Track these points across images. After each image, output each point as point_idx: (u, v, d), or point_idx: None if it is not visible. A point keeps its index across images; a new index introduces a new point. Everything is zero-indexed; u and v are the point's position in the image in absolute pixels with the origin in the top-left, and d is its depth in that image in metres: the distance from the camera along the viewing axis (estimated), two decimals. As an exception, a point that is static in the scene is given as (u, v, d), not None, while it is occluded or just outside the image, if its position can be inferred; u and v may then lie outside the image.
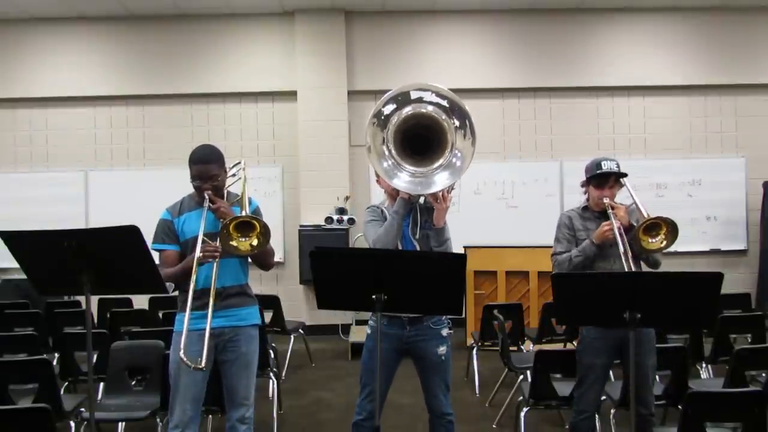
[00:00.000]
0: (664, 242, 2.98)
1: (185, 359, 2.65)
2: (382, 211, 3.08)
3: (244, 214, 2.81)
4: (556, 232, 3.39)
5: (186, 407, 2.83)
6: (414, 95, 2.86)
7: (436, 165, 2.85)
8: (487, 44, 7.72)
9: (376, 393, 2.76)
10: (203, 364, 2.70)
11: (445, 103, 2.86)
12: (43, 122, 7.76)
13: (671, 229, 2.96)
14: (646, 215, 3.01)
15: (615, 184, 3.26)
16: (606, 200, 3.21)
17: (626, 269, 3.03)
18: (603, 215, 3.26)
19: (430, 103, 2.86)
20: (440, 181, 2.84)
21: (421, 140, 2.89)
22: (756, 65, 7.70)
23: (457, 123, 2.86)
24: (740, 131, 7.79)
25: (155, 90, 7.65)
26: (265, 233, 2.75)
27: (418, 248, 2.99)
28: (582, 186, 3.39)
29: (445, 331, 3.02)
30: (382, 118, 2.84)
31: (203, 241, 2.77)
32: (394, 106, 2.85)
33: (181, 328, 2.78)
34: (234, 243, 2.74)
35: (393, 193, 3.03)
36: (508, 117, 7.78)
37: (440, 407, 3.00)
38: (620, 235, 3.10)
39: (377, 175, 3.12)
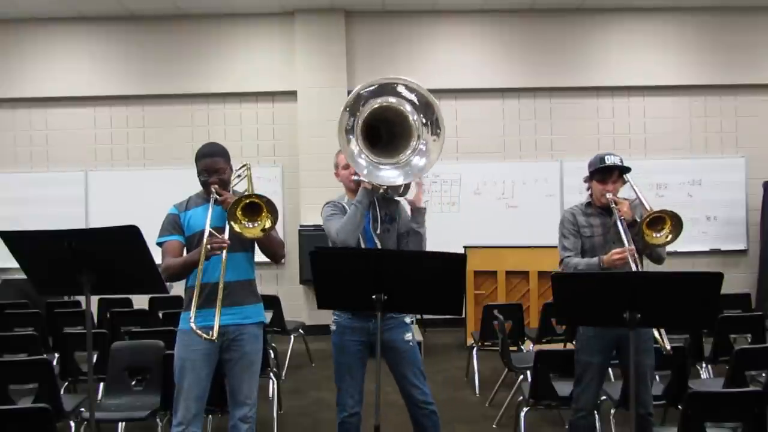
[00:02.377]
0: (669, 236, 2.94)
1: (198, 330, 2.65)
2: (343, 207, 3.08)
3: (246, 194, 2.80)
4: (560, 228, 3.36)
5: (190, 405, 2.83)
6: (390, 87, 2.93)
7: (409, 152, 2.93)
8: (487, 44, 7.71)
9: (355, 389, 2.88)
10: (215, 336, 2.69)
11: (413, 97, 2.91)
12: (43, 122, 7.76)
13: (675, 222, 2.92)
14: (649, 209, 2.98)
15: (618, 180, 3.25)
16: (609, 195, 3.20)
17: (633, 268, 3.02)
18: (606, 211, 3.26)
19: (400, 96, 2.92)
20: (416, 165, 2.93)
21: (382, 134, 2.98)
22: (756, 65, 7.70)
23: (424, 119, 2.93)
24: (740, 131, 7.79)
25: (155, 90, 7.65)
26: (271, 211, 2.74)
27: (379, 244, 3.00)
28: (585, 181, 3.36)
29: (407, 319, 3.05)
30: (355, 107, 2.89)
31: (210, 234, 2.75)
32: (369, 94, 2.90)
33: (186, 326, 2.77)
34: (240, 228, 2.73)
35: (352, 186, 3.06)
36: (508, 117, 7.78)
37: (419, 395, 2.99)
38: (624, 231, 3.09)
39: (336, 168, 3.19)
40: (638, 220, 3.08)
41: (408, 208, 3.13)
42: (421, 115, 2.91)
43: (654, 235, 2.95)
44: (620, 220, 3.12)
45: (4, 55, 7.63)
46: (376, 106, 2.89)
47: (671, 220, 2.93)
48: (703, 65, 7.69)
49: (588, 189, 3.36)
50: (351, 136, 2.88)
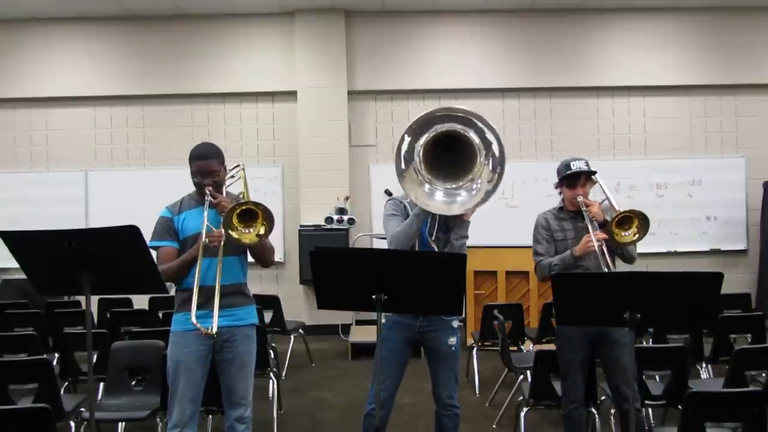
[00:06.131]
0: (637, 235, 3.07)
1: (198, 324, 2.67)
2: (404, 206, 3.07)
3: (243, 200, 2.80)
4: (534, 233, 3.48)
5: (185, 407, 2.83)
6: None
7: (468, 178, 2.95)
8: (487, 44, 7.71)
9: (389, 385, 2.85)
10: (214, 331, 2.71)
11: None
12: (43, 122, 7.76)
13: (642, 222, 3.04)
14: (617, 209, 3.09)
15: (587, 182, 3.37)
16: (579, 198, 3.30)
17: (603, 268, 3.10)
18: (578, 215, 3.37)
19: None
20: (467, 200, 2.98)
21: (448, 159, 2.93)
22: (756, 65, 7.70)
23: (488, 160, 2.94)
24: (740, 131, 7.79)
25: (155, 90, 7.65)
26: (268, 219, 2.74)
27: (435, 249, 3.01)
28: (555, 188, 3.51)
29: (455, 323, 3.06)
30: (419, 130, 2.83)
31: (207, 229, 2.76)
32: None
33: (178, 328, 2.78)
34: (237, 235, 2.73)
35: None
36: (508, 117, 7.78)
37: (447, 398, 3.02)
38: (595, 230, 3.19)
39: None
40: (608, 220, 3.16)
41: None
42: (490, 157, 2.91)
43: (622, 234, 3.08)
44: (591, 222, 3.22)
45: (4, 55, 7.63)
46: (444, 129, 2.85)
47: (638, 219, 3.05)
48: (703, 65, 7.68)
49: (560, 194, 3.47)
50: (409, 160, 2.83)
